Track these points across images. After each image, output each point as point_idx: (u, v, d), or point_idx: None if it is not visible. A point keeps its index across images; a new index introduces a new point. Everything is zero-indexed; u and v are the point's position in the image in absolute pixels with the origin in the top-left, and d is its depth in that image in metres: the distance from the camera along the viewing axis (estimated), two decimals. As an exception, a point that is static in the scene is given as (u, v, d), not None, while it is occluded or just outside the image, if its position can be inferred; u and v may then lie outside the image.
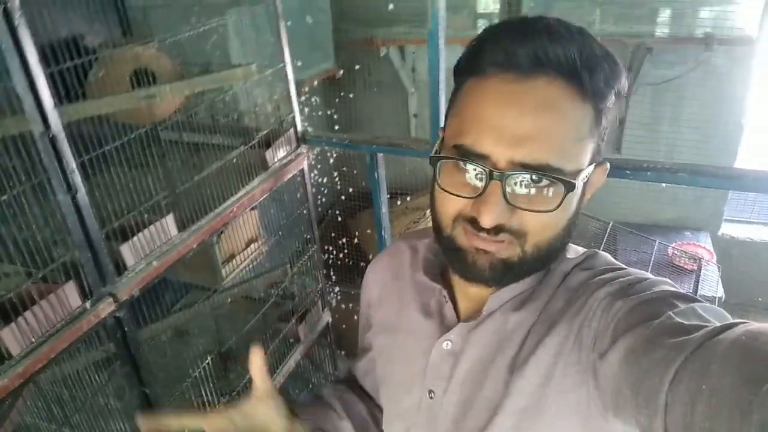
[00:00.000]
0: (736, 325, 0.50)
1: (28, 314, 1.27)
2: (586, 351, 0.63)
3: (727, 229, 3.69)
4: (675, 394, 0.48)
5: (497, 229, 0.63)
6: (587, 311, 0.65)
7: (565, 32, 0.60)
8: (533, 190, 0.62)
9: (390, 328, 0.88)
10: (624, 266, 0.72)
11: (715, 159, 3.22)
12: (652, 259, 3.00)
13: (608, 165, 0.70)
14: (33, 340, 1.28)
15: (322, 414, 0.91)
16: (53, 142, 1.25)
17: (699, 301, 0.58)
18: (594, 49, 0.61)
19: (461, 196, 0.64)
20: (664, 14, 3.10)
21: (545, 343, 0.67)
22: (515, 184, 0.62)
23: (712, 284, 2.95)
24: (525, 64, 0.60)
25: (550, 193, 0.62)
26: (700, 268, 3.01)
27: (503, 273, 0.66)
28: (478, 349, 0.73)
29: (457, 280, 0.79)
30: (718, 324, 0.51)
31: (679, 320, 0.54)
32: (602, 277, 0.68)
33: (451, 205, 0.66)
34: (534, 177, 0.61)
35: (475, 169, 0.62)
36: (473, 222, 0.64)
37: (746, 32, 2.86)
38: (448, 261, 0.72)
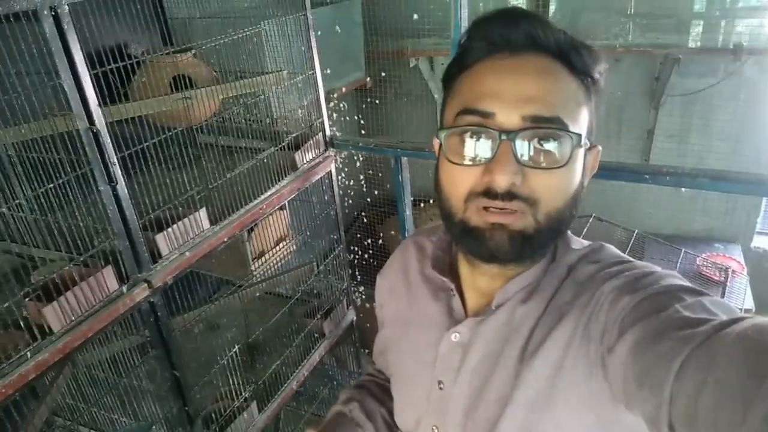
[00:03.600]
0: (743, 319, 0.50)
1: (69, 294, 1.38)
2: (595, 344, 0.64)
3: (759, 242, 3.63)
4: (680, 386, 0.49)
5: (511, 195, 0.64)
6: (594, 304, 0.65)
7: (548, 21, 0.68)
8: (541, 149, 0.64)
9: (400, 321, 0.91)
10: (631, 259, 0.72)
11: (745, 170, 3.18)
12: (677, 268, 2.99)
13: (600, 148, 0.73)
14: (73, 318, 1.39)
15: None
16: (96, 137, 1.37)
17: (707, 295, 0.58)
18: (572, 36, 0.68)
19: (471, 165, 0.66)
20: (696, 26, 3.11)
21: (554, 336, 0.68)
22: (525, 143, 0.63)
23: (740, 295, 2.92)
24: (518, 43, 0.66)
25: (559, 150, 0.64)
26: (727, 279, 2.99)
27: (522, 245, 0.66)
28: (486, 341, 0.75)
29: (466, 274, 0.81)
30: (725, 317, 0.52)
31: (687, 314, 0.54)
32: (609, 270, 0.68)
33: (461, 182, 0.67)
34: (543, 132, 0.63)
35: (483, 134, 0.65)
36: (487, 193, 0.64)
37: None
38: (464, 246, 0.73)
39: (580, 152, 0.67)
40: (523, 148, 0.63)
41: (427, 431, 0.82)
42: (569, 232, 0.79)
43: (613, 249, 0.75)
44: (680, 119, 3.30)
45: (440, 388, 0.79)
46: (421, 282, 0.88)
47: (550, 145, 0.64)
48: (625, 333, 0.58)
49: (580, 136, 0.64)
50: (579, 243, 0.77)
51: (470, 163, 0.66)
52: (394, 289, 0.95)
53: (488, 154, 0.65)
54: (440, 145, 0.70)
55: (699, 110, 3.24)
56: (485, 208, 0.65)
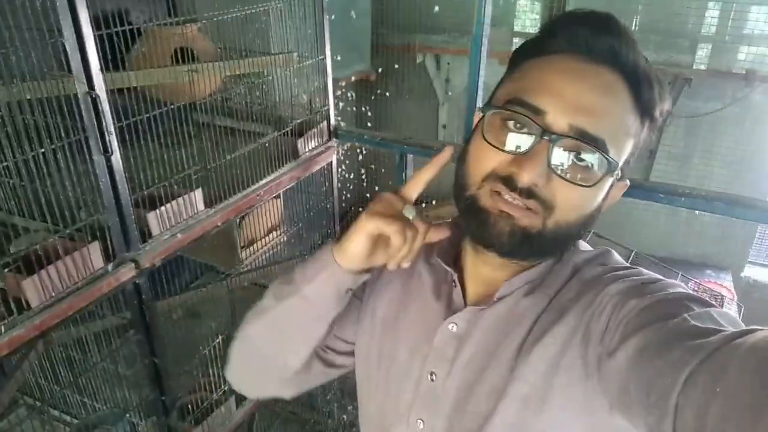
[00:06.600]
0: (754, 330, 0.49)
1: (51, 268, 1.29)
2: (593, 346, 0.62)
3: (750, 272, 3.62)
4: (688, 396, 0.48)
5: (529, 193, 0.63)
6: (597, 305, 0.64)
7: (635, 41, 0.65)
8: (576, 163, 0.63)
9: (397, 308, 0.86)
10: (636, 266, 0.71)
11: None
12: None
13: (628, 182, 0.72)
14: (53, 294, 1.30)
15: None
16: (95, 103, 1.28)
17: (714, 306, 0.57)
18: (651, 66, 0.66)
19: (505, 150, 0.64)
20: (705, 48, 3.09)
21: (553, 332, 0.66)
22: (562, 150, 0.62)
23: (732, 323, 2.90)
24: (598, 52, 0.64)
25: (590, 170, 0.63)
26: (721, 307, 2.97)
27: (521, 242, 0.65)
28: (484, 334, 0.72)
29: (470, 263, 0.78)
30: (734, 329, 0.51)
31: (695, 323, 0.53)
32: (616, 272, 0.67)
33: (487, 160, 0.65)
34: (584, 148, 0.61)
35: (527, 127, 0.63)
36: (506, 181, 0.63)
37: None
38: (467, 224, 0.71)
39: (609, 180, 0.66)
40: (558, 154, 0.62)
41: (411, 424, 0.77)
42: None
43: (618, 256, 0.74)
44: (684, 141, 3.27)
45: (431, 380, 0.75)
46: (425, 270, 0.84)
47: (585, 163, 0.63)
48: (629, 338, 0.57)
49: (616, 164, 0.63)
50: (586, 246, 0.76)
51: (504, 148, 0.64)
52: (394, 277, 0.88)
53: (524, 148, 0.63)
54: (481, 119, 0.68)
55: (703, 133, 3.21)
56: (498, 193, 0.64)
